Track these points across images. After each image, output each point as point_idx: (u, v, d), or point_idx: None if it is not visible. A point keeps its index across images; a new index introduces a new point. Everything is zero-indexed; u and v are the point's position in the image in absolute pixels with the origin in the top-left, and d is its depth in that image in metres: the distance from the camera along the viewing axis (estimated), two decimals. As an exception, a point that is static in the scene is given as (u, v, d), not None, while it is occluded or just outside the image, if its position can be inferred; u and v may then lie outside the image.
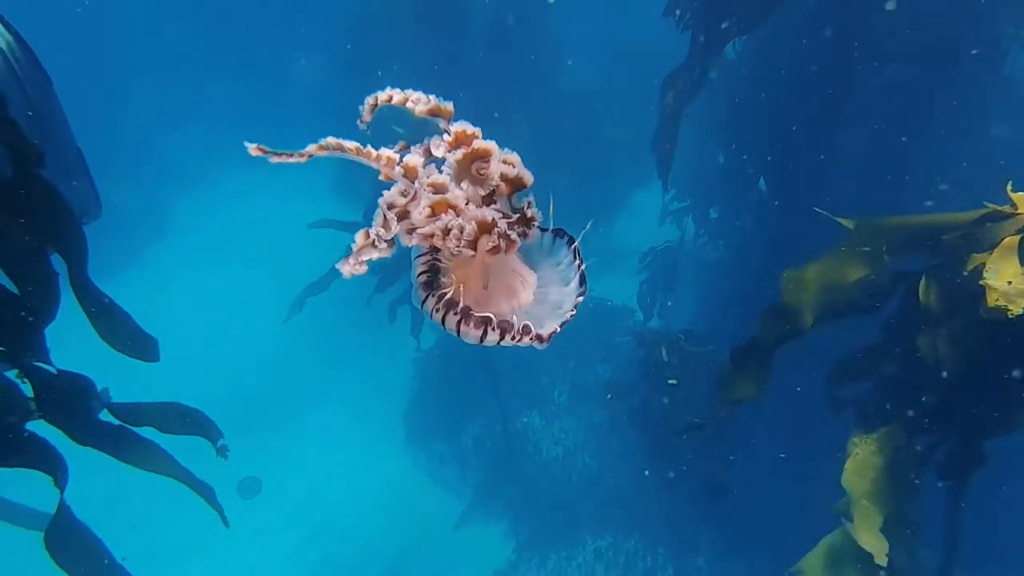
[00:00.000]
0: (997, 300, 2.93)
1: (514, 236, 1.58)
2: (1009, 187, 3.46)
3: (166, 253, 16.28)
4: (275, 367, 13.81)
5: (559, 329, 1.55)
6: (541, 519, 10.37)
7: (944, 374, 3.31)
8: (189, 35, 19.14)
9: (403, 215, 1.56)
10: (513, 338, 1.49)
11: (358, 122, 1.56)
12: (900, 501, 3.55)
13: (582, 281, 1.66)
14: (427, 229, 1.53)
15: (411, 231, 1.57)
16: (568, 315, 1.59)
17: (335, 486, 11.98)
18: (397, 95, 1.56)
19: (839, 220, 3.53)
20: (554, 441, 10.92)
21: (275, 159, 1.50)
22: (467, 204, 1.61)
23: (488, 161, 1.63)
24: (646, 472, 7.20)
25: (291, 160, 1.48)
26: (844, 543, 3.85)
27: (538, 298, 1.66)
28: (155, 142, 17.86)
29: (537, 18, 12.50)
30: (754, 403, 4.01)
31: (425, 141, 1.63)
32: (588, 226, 1.78)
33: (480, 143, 1.63)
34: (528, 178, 1.63)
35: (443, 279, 1.61)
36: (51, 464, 3.46)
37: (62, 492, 3.50)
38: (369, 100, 1.56)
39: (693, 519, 8.82)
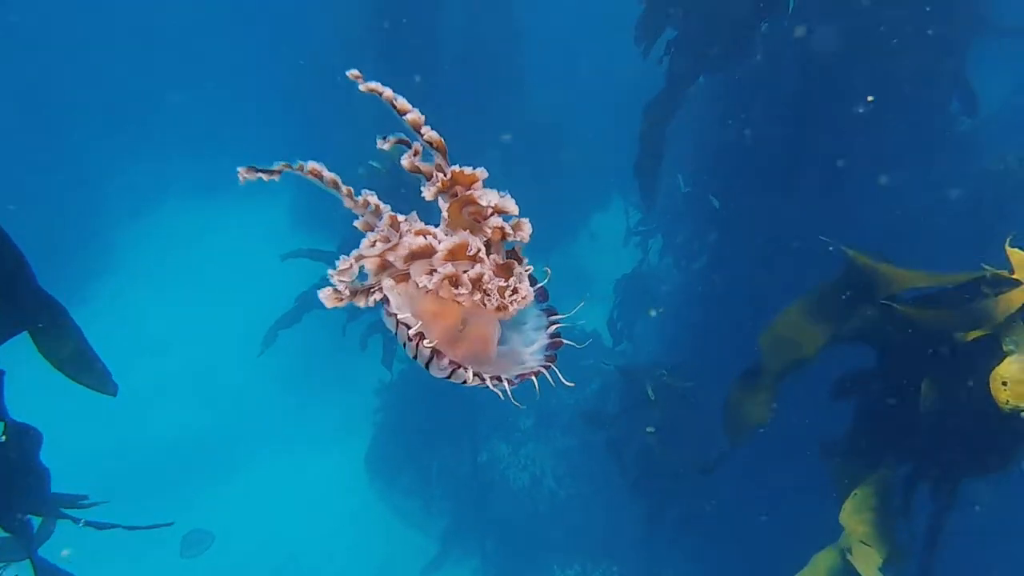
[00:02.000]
0: (1007, 402, 2.80)
1: (530, 300, 1.47)
2: (1007, 244, 3.14)
3: (113, 287, 15.51)
4: (228, 403, 13.21)
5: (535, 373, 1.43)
6: (509, 549, 10.17)
7: (931, 416, 3.27)
8: (135, 57, 18.40)
9: (380, 265, 1.43)
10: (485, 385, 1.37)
11: (347, 73, 1.39)
12: (894, 536, 3.52)
13: (551, 348, 1.55)
14: (451, 269, 1.40)
15: (430, 272, 1.44)
16: (534, 370, 1.48)
17: (297, 524, 11.54)
18: (400, 101, 1.42)
19: (847, 250, 3.45)
20: (521, 468, 10.75)
21: (266, 176, 1.41)
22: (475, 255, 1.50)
23: (485, 208, 1.51)
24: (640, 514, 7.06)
25: (272, 176, 1.41)
26: (839, 565, 3.79)
27: (500, 352, 1.54)
28: (102, 171, 17.12)
29: (505, 48, 12.60)
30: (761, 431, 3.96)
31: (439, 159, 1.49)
32: (581, 303, 1.68)
33: (482, 191, 1.51)
34: (528, 234, 1.53)
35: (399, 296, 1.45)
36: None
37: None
38: (377, 89, 1.39)
39: (665, 546, 8.74)
